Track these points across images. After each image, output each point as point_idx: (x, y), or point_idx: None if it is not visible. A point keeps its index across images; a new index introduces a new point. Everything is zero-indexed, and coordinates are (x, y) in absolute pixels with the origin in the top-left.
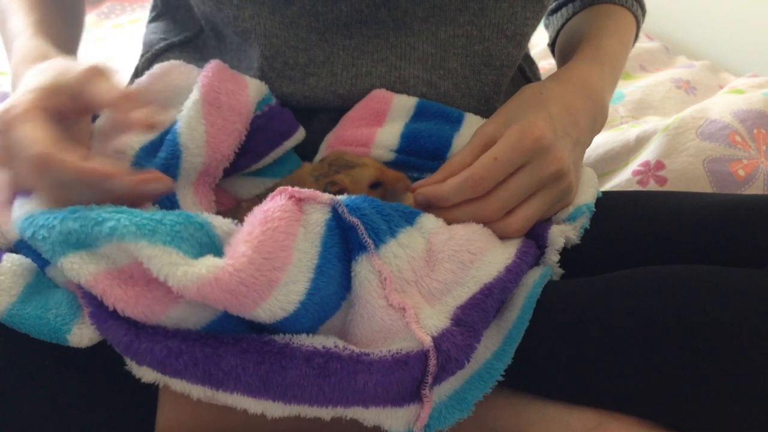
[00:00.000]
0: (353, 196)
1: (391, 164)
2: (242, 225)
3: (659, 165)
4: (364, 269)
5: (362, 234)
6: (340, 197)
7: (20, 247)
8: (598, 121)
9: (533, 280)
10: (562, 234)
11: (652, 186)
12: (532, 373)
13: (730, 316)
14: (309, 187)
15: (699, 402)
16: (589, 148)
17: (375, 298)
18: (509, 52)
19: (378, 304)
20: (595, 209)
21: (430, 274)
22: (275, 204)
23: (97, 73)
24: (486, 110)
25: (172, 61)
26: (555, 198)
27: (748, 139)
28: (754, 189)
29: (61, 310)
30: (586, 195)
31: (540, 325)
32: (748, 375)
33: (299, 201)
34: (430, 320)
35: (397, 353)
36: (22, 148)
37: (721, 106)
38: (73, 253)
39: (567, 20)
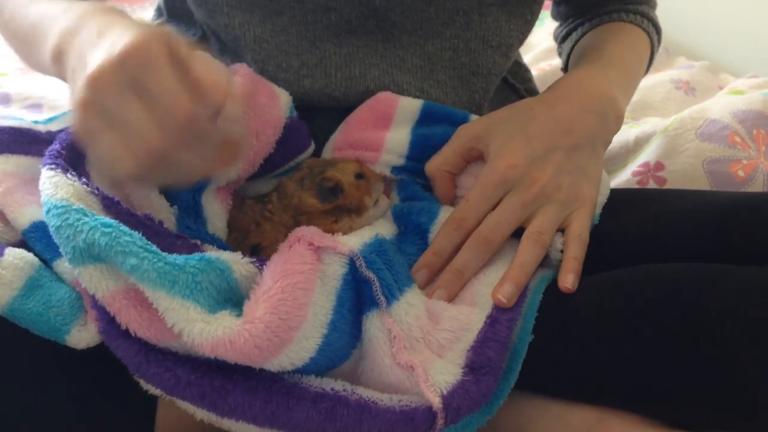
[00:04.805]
0: (368, 245)
1: (400, 170)
2: (262, 269)
3: (659, 166)
4: (373, 326)
5: (376, 290)
6: (356, 248)
7: (28, 235)
8: (609, 116)
9: (533, 285)
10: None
11: (652, 187)
12: (533, 371)
13: (734, 314)
14: (294, 194)
15: (701, 399)
16: None
17: (382, 357)
18: (495, 61)
19: (385, 363)
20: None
21: (436, 327)
22: (295, 254)
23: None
24: (477, 114)
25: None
26: (558, 208)
27: (747, 139)
28: (754, 189)
29: (62, 309)
30: None
31: (541, 323)
32: (750, 373)
33: (317, 249)
34: (440, 376)
35: (405, 406)
36: (156, 94)
37: (721, 106)
38: (93, 265)
39: (575, 43)
